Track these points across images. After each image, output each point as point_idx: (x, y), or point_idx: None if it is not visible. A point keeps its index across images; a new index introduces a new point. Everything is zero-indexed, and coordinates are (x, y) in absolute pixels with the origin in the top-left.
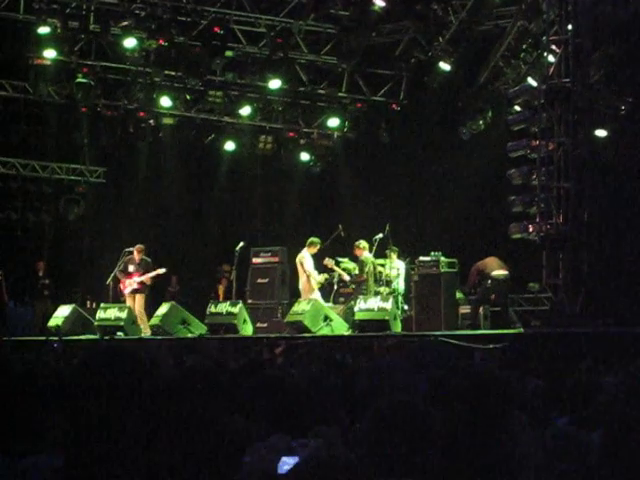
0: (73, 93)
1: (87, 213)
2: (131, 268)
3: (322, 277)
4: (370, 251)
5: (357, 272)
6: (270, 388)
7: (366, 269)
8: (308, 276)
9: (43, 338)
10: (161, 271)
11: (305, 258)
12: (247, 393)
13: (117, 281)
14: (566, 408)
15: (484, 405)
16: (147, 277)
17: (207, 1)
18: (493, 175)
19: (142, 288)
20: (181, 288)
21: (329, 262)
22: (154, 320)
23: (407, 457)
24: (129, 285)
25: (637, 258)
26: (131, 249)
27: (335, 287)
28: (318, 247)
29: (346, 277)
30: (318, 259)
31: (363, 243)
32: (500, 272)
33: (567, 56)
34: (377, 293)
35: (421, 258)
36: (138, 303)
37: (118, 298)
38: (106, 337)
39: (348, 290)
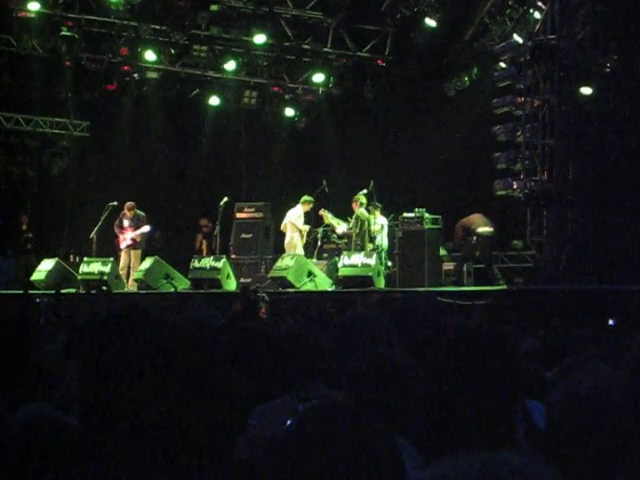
0: (57, 46)
1: (71, 167)
2: (125, 223)
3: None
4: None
5: (350, 226)
6: (253, 342)
7: (359, 224)
8: (298, 232)
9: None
10: (146, 229)
11: (299, 216)
12: (231, 348)
13: (114, 236)
14: (550, 362)
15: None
16: (136, 234)
17: None
18: (478, 131)
19: (136, 244)
20: (164, 242)
21: (325, 213)
22: (137, 274)
23: (390, 412)
24: (123, 240)
25: (620, 215)
26: (115, 203)
27: (319, 243)
28: (311, 205)
29: (341, 229)
30: (311, 216)
31: (362, 199)
32: (485, 229)
33: (553, 13)
34: (361, 249)
35: (405, 214)
36: (134, 259)
37: (101, 252)
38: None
39: (332, 246)
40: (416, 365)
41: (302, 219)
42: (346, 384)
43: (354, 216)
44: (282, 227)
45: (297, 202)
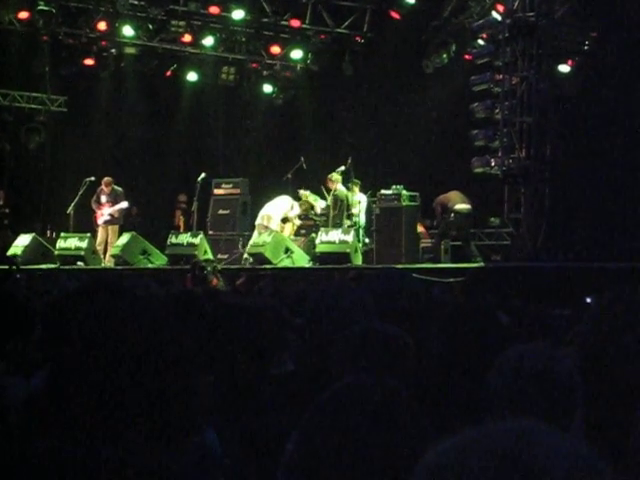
0: (34, 21)
1: (48, 142)
2: (103, 199)
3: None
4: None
5: (328, 204)
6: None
7: (339, 203)
8: (290, 225)
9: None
10: (124, 205)
11: (295, 208)
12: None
13: (92, 212)
14: (526, 339)
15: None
16: (114, 210)
17: None
18: (456, 108)
19: (113, 220)
20: (142, 218)
21: (305, 194)
22: (114, 250)
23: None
24: (101, 216)
25: (598, 193)
26: (92, 179)
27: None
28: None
29: (319, 206)
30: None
31: (336, 175)
32: (462, 206)
33: None
34: (339, 226)
35: (383, 191)
36: (112, 234)
37: (78, 227)
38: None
39: (309, 222)
40: (408, 338)
41: (297, 211)
42: (338, 356)
43: (332, 194)
44: (274, 218)
45: (274, 178)
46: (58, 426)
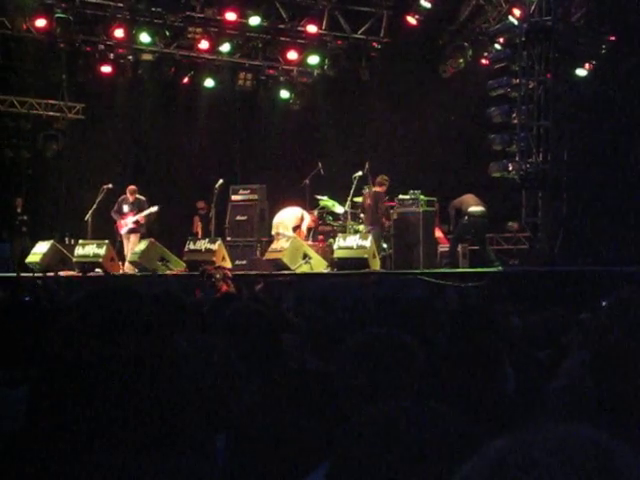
0: (52, 28)
1: (66, 149)
2: (125, 208)
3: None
4: (350, 189)
5: (346, 209)
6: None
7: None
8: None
9: (21, 274)
10: (154, 209)
11: (306, 218)
12: (226, 324)
13: (110, 219)
14: (544, 344)
15: (470, 338)
16: (141, 216)
17: None
18: (473, 113)
19: (138, 227)
20: (160, 225)
21: (323, 202)
22: (132, 257)
23: (389, 389)
24: (124, 225)
25: (615, 196)
26: (109, 185)
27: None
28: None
29: (339, 211)
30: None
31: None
32: (476, 208)
33: None
34: (356, 231)
35: (400, 196)
36: (133, 242)
37: (96, 234)
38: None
39: (327, 228)
40: (414, 343)
41: (307, 221)
42: (342, 360)
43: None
44: (287, 225)
45: (291, 184)
46: (57, 435)
